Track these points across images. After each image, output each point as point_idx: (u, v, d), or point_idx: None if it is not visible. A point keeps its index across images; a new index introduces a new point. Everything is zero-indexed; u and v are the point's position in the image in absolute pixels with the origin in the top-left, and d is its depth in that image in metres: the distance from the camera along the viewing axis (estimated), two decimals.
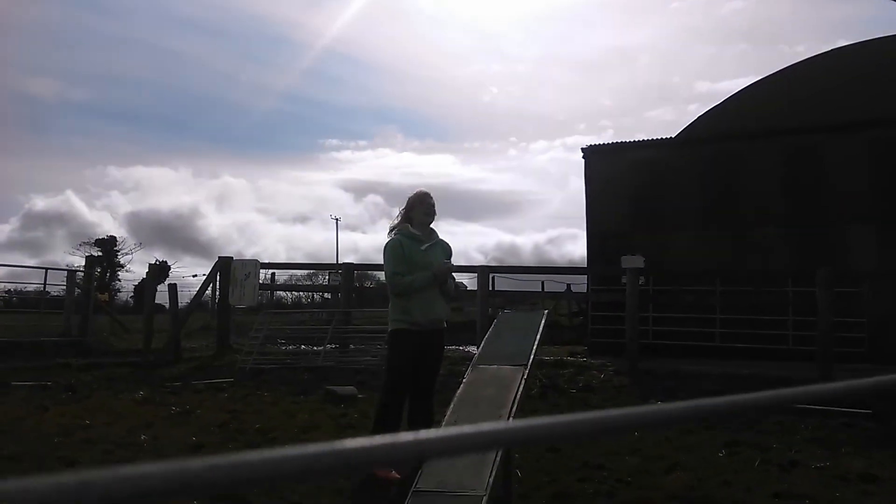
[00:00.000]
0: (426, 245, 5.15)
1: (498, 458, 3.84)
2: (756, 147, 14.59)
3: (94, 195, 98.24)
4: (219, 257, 14.20)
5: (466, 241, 67.14)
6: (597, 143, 16.46)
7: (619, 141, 16.56)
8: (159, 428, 6.49)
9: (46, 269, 17.35)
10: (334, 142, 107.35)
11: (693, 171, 14.99)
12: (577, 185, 16.29)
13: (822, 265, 11.35)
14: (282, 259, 46.87)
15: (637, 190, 15.27)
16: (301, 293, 37.28)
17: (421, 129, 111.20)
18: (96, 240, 47.55)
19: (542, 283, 21.70)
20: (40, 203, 71.94)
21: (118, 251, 47.84)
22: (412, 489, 3.77)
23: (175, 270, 43.88)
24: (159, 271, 27.97)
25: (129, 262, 48.12)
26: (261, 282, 15.24)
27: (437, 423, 4.86)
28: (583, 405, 8.22)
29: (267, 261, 18.48)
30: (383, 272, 5.39)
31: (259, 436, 6.23)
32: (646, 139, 16.32)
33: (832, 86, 14.35)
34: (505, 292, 19.12)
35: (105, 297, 22.58)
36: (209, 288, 15.01)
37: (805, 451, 5.73)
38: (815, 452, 5.68)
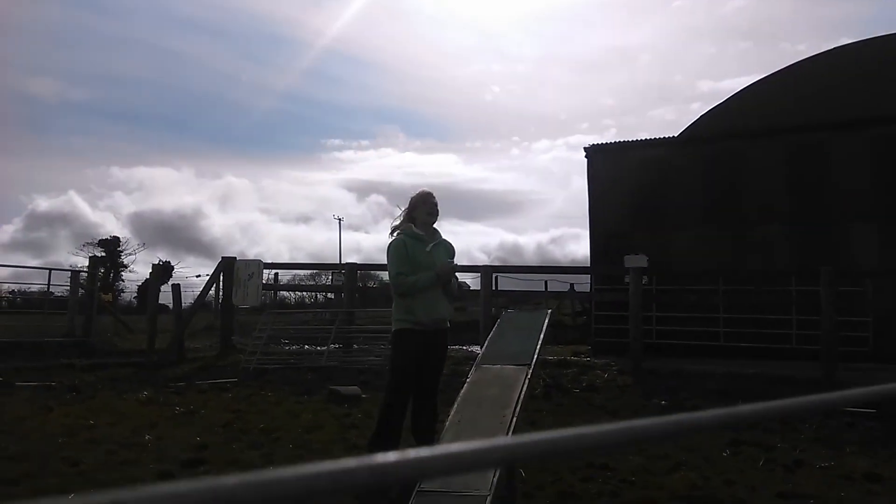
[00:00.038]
0: (431, 245, 5.15)
1: None
2: (759, 145, 14.57)
3: (97, 195, 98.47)
4: (222, 257, 14.22)
5: (469, 241, 67.13)
6: (599, 143, 16.45)
7: (622, 140, 16.55)
8: (163, 428, 6.50)
9: (50, 269, 17.39)
10: (336, 142, 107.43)
11: (696, 170, 14.98)
12: (580, 184, 16.32)
13: (824, 263, 11.33)
14: (285, 259, 46.96)
15: (640, 189, 15.25)
16: (304, 293, 37.38)
17: (423, 128, 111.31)
18: (100, 240, 47.62)
19: (546, 282, 21.70)
20: (43, 204, 72.14)
21: (121, 251, 47.92)
22: (416, 489, 3.77)
23: (178, 271, 44.05)
24: (163, 271, 27.98)
25: (132, 263, 48.20)
26: (264, 282, 15.26)
27: (440, 423, 4.85)
28: (586, 405, 8.22)
29: (270, 261, 18.48)
30: (386, 272, 5.38)
31: (263, 436, 6.23)
32: (649, 138, 16.31)
33: (835, 84, 14.32)
34: (508, 292, 19.12)
35: (109, 297, 22.64)
36: (213, 288, 15.02)
37: (809, 450, 5.73)
38: (819, 452, 5.67)
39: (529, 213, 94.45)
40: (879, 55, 14.34)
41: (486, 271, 13.00)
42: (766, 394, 8.64)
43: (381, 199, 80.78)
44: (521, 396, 4.35)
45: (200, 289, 15.18)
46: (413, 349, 4.99)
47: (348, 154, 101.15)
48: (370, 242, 66.03)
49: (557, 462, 5.32)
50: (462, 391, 4.59)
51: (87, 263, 20.92)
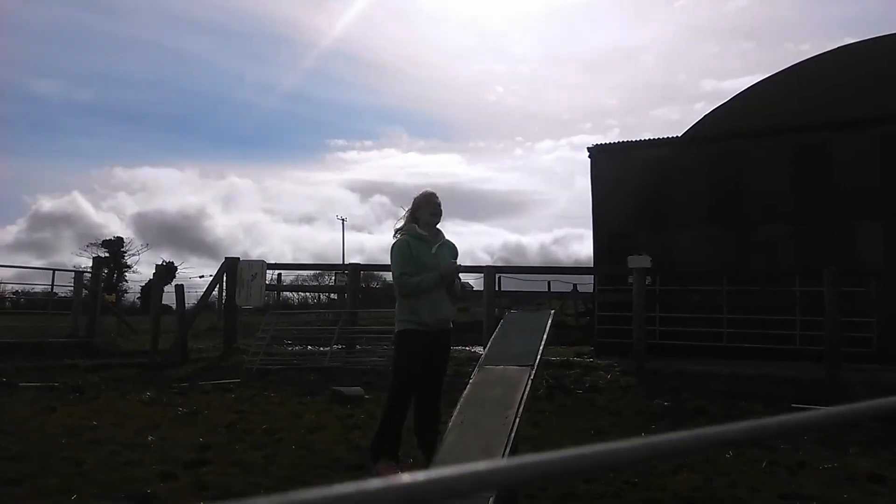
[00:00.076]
0: (436, 246, 5.15)
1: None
2: (763, 145, 14.54)
3: (101, 196, 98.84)
4: (225, 258, 14.25)
5: (472, 242, 67.09)
6: (603, 143, 16.46)
7: (626, 140, 16.54)
8: (166, 429, 6.50)
9: (54, 270, 17.46)
10: (340, 142, 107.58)
11: (700, 170, 14.96)
12: (584, 184, 16.43)
13: (829, 263, 11.30)
14: (288, 259, 47.06)
15: (644, 189, 15.24)
16: (307, 294, 37.40)
17: (426, 128, 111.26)
18: (103, 241, 47.74)
19: (549, 283, 21.65)
20: (47, 204, 72.36)
21: (125, 252, 48.05)
22: None
23: (182, 271, 44.15)
24: (166, 272, 28.08)
25: (136, 263, 48.38)
26: (267, 282, 15.27)
27: (443, 424, 4.85)
28: (589, 405, 8.20)
29: (273, 261, 18.51)
30: (390, 272, 5.38)
31: (266, 437, 6.23)
32: (652, 138, 16.30)
33: (840, 83, 14.29)
34: (511, 292, 19.08)
35: (112, 298, 22.69)
36: (216, 289, 15.04)
37: (812, 451, 5.71)
38: (821, 453, 5.66)
39: (533, 213, 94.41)
40: (884, 54, 14.30)
41: (489, 272, 13.00)
42: (769, 395, 8.62)
43: (385, 199, 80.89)
44: (524, 397, 4.34)
45: (204, 289, 15.22)
46: (417, 350, 4.99)
47: (352, 154, 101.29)
48: (373, 243, 66.11)
49: None
50: (465, 392, 4.59)
51: (90, 264, 20.96)
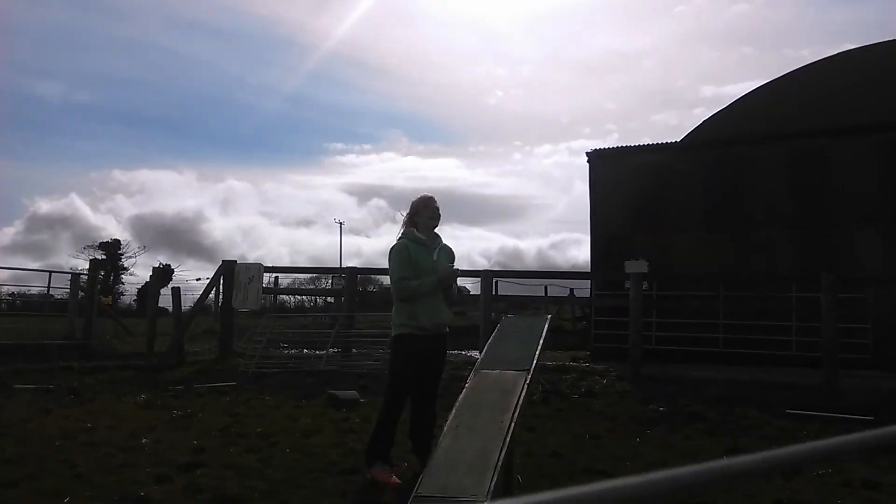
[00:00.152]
0: (436, 251, 5.15)
1: (500, 463, 3.82)
2: (762, 150, 14.56)
3: (99, 198, 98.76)
4: (222, 261, 14.22)
5: (470, 246, 67.24)
6: (602, 147, 16.45)
7: (624, 145, 16.54)
8: (162, 431, 6.49)
9: (50, 272, 17.38)
10: (339, 145, 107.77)
11: (698, 175, 14.98)
12: (582, 189, 16.43)
13: (827, 267, 11.31)
14: (285, 263, 47.07)
15: (642, 194, 15.25)
16: (304, 297, 37.36)
17: (425, 132, 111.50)
18: (100, 243, 47.72)
19: (546, 287, 21.65)
20: (45, 206, 72.40)
21: (122, 254, 47.99)
22: (413, 494, 3.76)
23: (179, 274, 44.05)
24: (163, 275, 27.96)
25: (132, 266, 48.31)
26: (264, 285, 15.26)
27: (439, 428, 4.85)
28: (585, 410, 8.20)
29: (270, 264, 18.50)
30: (387, 276, 5.38)
31: (261, 440, 6.22)
32: (651, 143, 16.30)
33: (839, 89, 14.31)
34: (508, 297, 19.06)
35: (109, 300, 22.64)
36: (213, 291, 15.02)
37: None
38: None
39: (531, 217, 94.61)
40: (884, 60, 14.33)
41: (486, 276, 13.00)
42: (766, 401, 8.62)
43: (383, 203, 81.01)
44: (520, 402, 4.34)
45: (200, 292, 15.17)
46: (415, 354, 4.99)
47: (350, 158, 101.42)
48: (371, 246, 66.19)
49: (555, 467, 5.31)
50: (461, 396, 4.58)
51: (87, 266, 20.94)
